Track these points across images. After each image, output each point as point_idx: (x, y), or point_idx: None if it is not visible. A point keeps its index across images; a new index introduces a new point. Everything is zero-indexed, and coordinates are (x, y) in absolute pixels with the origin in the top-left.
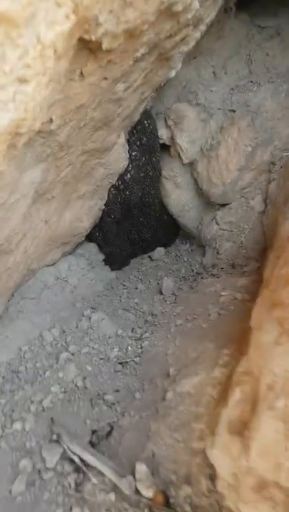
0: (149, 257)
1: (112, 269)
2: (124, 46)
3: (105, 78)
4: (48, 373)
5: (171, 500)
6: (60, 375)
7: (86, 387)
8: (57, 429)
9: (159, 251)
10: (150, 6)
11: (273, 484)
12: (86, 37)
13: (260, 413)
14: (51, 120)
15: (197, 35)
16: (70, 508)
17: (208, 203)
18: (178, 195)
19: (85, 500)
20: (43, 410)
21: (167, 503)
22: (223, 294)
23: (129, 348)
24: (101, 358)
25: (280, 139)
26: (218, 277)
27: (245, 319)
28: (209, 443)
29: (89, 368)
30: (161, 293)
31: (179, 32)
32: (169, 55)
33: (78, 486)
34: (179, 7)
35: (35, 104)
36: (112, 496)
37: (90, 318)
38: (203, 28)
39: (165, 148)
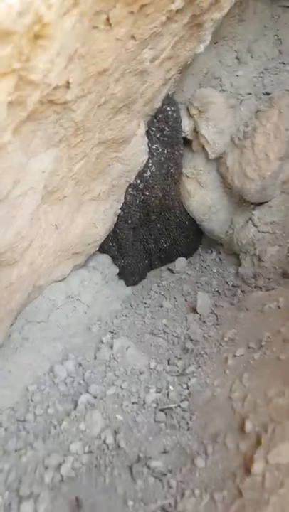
0: (169, 269)
1: (128, 285)
2: None
3: (133, 37)
4: (64, 424)
5: None
6: (82, 426)
7: (120, 447)
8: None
9: (181, 262)
10: None
11: None
12: None
13: None
14: (68, 84)
15: None
16: None
17: (241, 203)
18: (202, 196)
19: None
20: (62, 481)
21: None
22: None
23: (171, 387)
24: (134, 403)
25: None
26: (268, 290)
27: None
28: None
29: (119, 417)
30: (195, 311)
31: None
32: (202, 19)
33: None
34: None
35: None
36: None
37: (111, 347)
38: None
39: (186, 143)
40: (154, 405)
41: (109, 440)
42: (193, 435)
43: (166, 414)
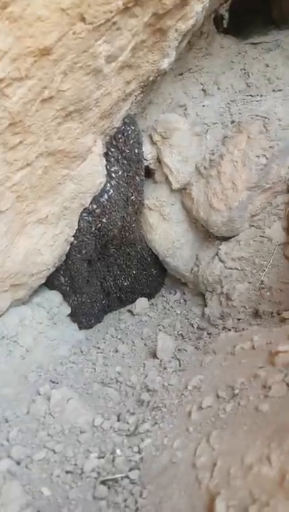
0: (129, 311)
1: (81, 328)
2: None
3: (82, 18)
4: None
5: None
6: None
7: None
8: None
9: (142, 302)
10: None
11: None
12: None
13: None
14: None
15: (198, 8)
16: None
17: (207, 237)
18: (165, 230)
19: None
20: None
21: None
22: (282, 349)
23: (118, 451)
24: (68, 472)
25: None
26: (238, 330)
27: None
28: None
29: (46, 493)
30: (154, 356)
31: None
32: (165, 24)
33: None
34: None
35: None
36: None
37: (48, 399)
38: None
39: (148, 173)
40: (95, 475)
41: None
42: None
43: (108, 487)
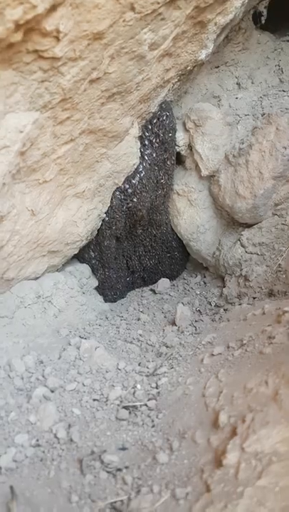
0: (151, 289)
1: (106, 301)
2: None
3: (132, 8)
4: (12, 415)
5: None
6: (32, 419)
7: (72, 440)
8: (19, 508)
9: (164, 282)
10: None
11: None
12: None
13: None
14: (58, 33)
15: (238, 4)
16: None
17: (231, 224)
18: (191, 215)
19: None
20: (0, 474)
21: None
22: (287, 310)
23: (138, 386)
24: (95, 399)
25: None
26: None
27: None
28: None
29: (76, 412)
30: (174, 324)
31: None
32: (206, 17)
33: None
34: None
35: None
36: None
37: (78, 348)
38: None
39: (179, 160)
40: (118, 402)
41: (61, 434)
42: (157, 432)
43: (129, 412)
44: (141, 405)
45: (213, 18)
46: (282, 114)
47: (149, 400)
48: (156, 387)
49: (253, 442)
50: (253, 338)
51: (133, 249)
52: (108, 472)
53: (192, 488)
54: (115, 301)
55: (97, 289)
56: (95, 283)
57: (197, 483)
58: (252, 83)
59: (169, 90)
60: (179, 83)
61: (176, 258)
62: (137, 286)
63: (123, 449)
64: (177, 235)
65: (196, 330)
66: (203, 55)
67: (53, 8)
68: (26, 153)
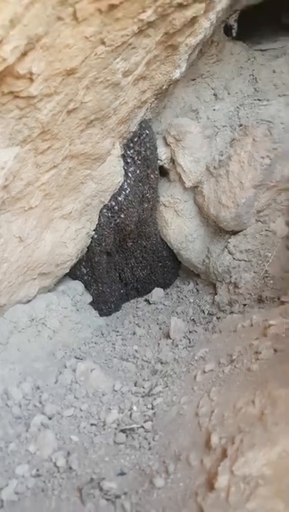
0: (146, 300)
1: (101, 315)
2: None
3: (103, 42)
4: (12, 446)
5: None
6: (31, 449)
7: (71, 468)
8: None
9: (158, 292)
10: None
11: None
12: None
13: None
14: (31, 75)
15: (206, 25)
16: None
17: (218, 231)
18: (179, 225)
19: None
20: (1, 506)
21: None
22: (273, 323)
23: (134, 407)
24: (92, 424)
25: None
26: (242, 313)
27: None
28: None
29: (75, 439)
30: (168, 337)
31: (191, 5)
32: (176, 41)
33: None
34: None
35: None
36: None
37: (74, 370)
38: (212, 17)
39: (163, 173)
40: (115, 426)
41: (61, 462)
42: (154, 455)
43: (127, 435)
44: (138, 427)
45: (184, 40)
46: (258, 125)
47: (145, 421)
48: (152, 408)
49: (241, 465)
50: (241, 353)
51: (125, 262)
52: (107, 500)
53: (187, 511)
54: (110, 315)
55: (91, 304)
56: (89, 298)
57: (192, 506)
58: (228, 94)
59: (147, 109)
60: (156, 101)
61: (168, 267)
62: (131, 298)
63: (122, 474)
64: (167, 245)
65: (190, 342)
66: (177, 74)
67: (24, 54)
68: (9, 186)
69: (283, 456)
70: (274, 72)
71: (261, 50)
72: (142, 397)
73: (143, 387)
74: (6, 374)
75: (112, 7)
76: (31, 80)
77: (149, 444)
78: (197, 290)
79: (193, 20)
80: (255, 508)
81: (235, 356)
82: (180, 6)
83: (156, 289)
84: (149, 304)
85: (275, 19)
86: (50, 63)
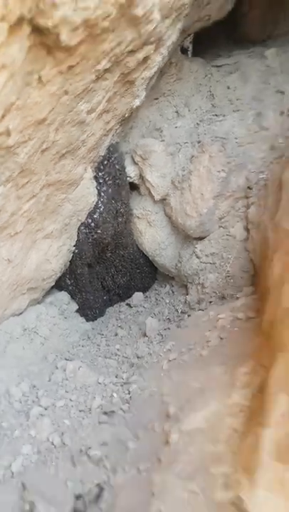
0: (127, 304)
1: (87, 320)
2: (85, 49)
3: (66, 92)
4: (16, 432)
5: None
6: (32, 433)
7: (65, 444)
8: (30, 496)
9: (138, 296)
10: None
11: None
12: (41, 22)
13: None
14: (8, 131)
15: (159, 59)
16: None
17: (186, 238)
18: (152, 234)
19: None
20: (12, 476)
21: None
22: (221, 317)
23: (115, 394)
24: (81, 410)
25: (253, 163)
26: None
27: (256, 334)
28: (244, 489)
29: (67, 422)
30: (145, 335)
31: (141, 49)
32: (132, 77)
33: None
34: (139, 10)
35: None
36: None
37: (64, 370)
38: (164, 52)
39: (134, 187)
40: (99, 410)
41: (56, 441)
42: (129, 428)
43: (108, 416)
44: (117, 409)
45: (139, 75)
46: (213, 142)
47: (123, 403)
48: (129, 393)
49: (186, 424)
50: (197, 342)
51: (105, 271)
52: (93, 463)
53: (151, 463)
54: (96, 319)
55: (77, 311)
56: (75, 307)
57: (154, 459)
58: (188, 110)
59: (113, 135)
60: (121, 127)
61: (145, 272)
62: (114, 303)
63: (104, 444)
64: (143, 253)
65: (162, 338)
66: (137, 102)
67: (2, 117)
68: None
69: (215, 414)
70: (228, 88)
71: (217, 66)
72: (121, 385)
73: (122, 378)
74: (5, 377)
75: (71, 67)
76: (8, 135)
77: (126, 420)
78: (172, 292)
79: (146, 58)
80: (194, 450)
81: (192, 346)
82: (131, 51)
83: (136, 293)
84: (130, 307)
85: (229, 31)
86: (23, 118)
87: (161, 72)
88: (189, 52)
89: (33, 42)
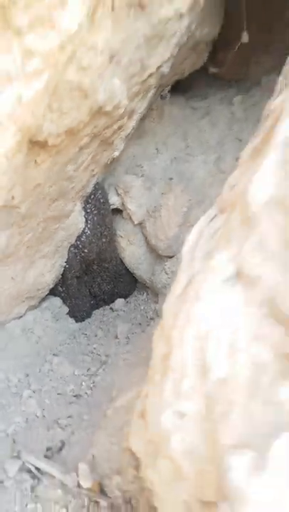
0: (111, 308)
1: (77, 321)
2: (68, 141)
3: (56, 164)
4: (12, 407)
5: (105, 489)
6: (23, 408)
7: (44, 416)
8: (17, 447)
9: (119, 302)
10: (82, 113)
11: None
12: (34, 139)
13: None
14: (14, 197)
15: (133, 124)
16: (26, 505)
17: (158, 256)
18: (132, 251)
19: (38, 497)
20: (7, 436)
21: (102, 491)
22: None
23: (83, 383)
24: (58, 394)
25: (210, 200)
26: None
27: None
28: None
29: (47, 402)
30: (116, 337)
31: (115, 123)
32: (110, 140)
33: (33, 488)
34: (108, 107)
35: None
36: (60, 491)
37: (51, 363)
38: (137, 117)
39: (118, 211)
40: (71, 393)
41: (39, 414)
42: (88, 407)
43: (76, 398)
44: (83, 394)
45: (117, 136)
46: (178, 182)
47: (88, 389)
48: (93, 383)
49: (117, 403)
50: (145, 347)
51: (92, 280)
52: (60, 428)
53: (94, 428)
54: (84, 321)
55: (68, 313)
56: (66, 310)
57: (96, 426)
58: (166, 149)
59: (98, 177)
60: (104, 170)
61: (127, 282)
62: (100, 306)
63: (70, 417)
64: (125, 265)
65: (128, 341)
66: (117, 153)
67: (9, 191)
68: (4, 252)
69: (133, 397)
70: (200, 131)
71: (193, 108)
72: (89, 377)
73: (91, 372)
74: (6, 367)
75: (58, 151)
76: (14, 199)
77: (87, 402)
78: (148, 299)
79: (121, 127)
80: (118, 419)
81: (140, 349)
82: (107, 127)
83: (118, 299)
84: (113, 311)
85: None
86: (24, 187)
87: (144, 116)
88: (167, 99)
89: (30, 145)
